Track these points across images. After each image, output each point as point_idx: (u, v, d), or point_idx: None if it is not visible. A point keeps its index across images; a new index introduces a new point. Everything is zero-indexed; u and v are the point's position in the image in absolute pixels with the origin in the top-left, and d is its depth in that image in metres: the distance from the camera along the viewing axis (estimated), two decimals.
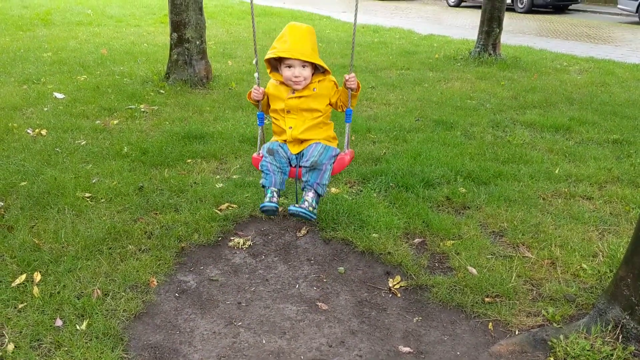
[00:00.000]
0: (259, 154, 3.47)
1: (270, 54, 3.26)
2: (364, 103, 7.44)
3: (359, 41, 12.35)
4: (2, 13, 14.28)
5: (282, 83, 3.41)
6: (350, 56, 3.48)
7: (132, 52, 10.18)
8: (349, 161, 3.51)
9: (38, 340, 2.85)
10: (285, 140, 3.40)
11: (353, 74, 3.32)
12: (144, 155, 5.30)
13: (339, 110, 3.49)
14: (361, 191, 4.69)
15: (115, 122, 6.30)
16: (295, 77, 3.27)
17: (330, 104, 3.47)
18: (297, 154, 3.39)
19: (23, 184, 4.57)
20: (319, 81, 3.38)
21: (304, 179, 3.35)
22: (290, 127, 3.36)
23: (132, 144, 5.55)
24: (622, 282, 2.85)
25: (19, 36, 11.31)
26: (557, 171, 5.12)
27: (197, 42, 7.87)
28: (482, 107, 7.29)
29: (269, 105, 3.52)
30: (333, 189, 4.70)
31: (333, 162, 3.40)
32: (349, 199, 4.49)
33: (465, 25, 16.14)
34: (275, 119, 3.46)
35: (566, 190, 4.74)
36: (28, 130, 5.83)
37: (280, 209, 3.98)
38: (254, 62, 3.42)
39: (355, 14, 3.46)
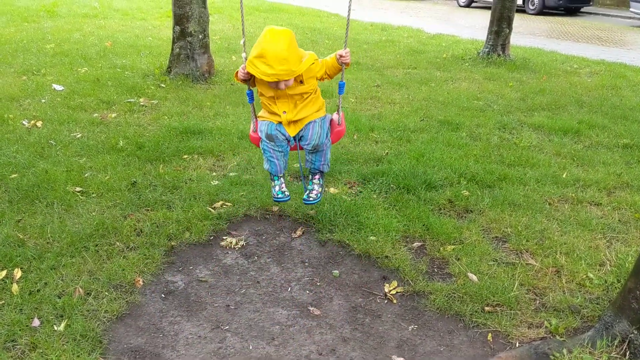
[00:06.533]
0: (255, 131, 3.60)
1: (252, 69, 3.21)
2: (369, 102, 7.29)
3: (366, 39, 12.18)
4: (8, 4, 14.20)
5: None
6: (345, 32, 3.57)
7: (135, 45, 10.06)
8: (344, 130, 3.71)
9: (13, 340, 2.71)
10: (280, 122, 3.46)
11: (348, 50, 3.42)
12: (139, 149, 5.17)
13: (324, 80, 3.55)
14: (361, 192, 4.53)
15: (113, 115, 6.17)
16: (279, 88, 3.30)
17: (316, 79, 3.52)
18: (295, 135, 3.51)
19: (13, 176, 4.45)
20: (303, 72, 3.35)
21: (307, 159, 3.66)
22: (285, 112, 3.42)
23: (129, 138, 5.42)
24: (631, 295, 2.69)
25: (23, 27, 11.22)
26: (564, 175, 4.95)
27: (200, 36, 7.73)
28: (489, 108, 7.12)
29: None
30: (332, 189, 4.56)
31: (330, 135, 3.61)
32: (347, 200, 4.34)
33: (475, 26, 15.94)
34: (266, 103, 3.48)
35: (573, 195, 4.57)
36: (23, 122, 5.72)
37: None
38: (241, 42, 3.50)
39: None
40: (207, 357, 2.77)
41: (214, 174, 4.81)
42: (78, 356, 2.62)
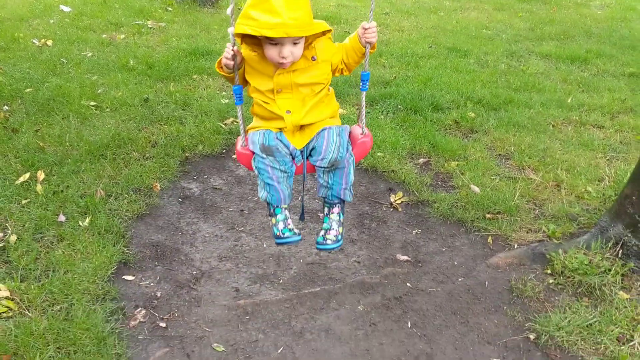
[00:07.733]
0: (244, 145, 2.37)
1: (248, 29, 2.05)
2: (378, 29, 7.21)
3: None
4: None
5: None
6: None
7: None
8: (371, 140, 2.47)
9: (41, 233, 2.88)
10: (281, 129, 2.34)
11: (374, 23, 2.28)
12: (150, 69, 5.22)
13: (340, 74, 2.39)
14: (368, 112, 4.62)
15: (122, 36, 6.17)
16: (283, 57, 2.15)
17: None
18: (303, 148, 2.37)
19: (28, 90, 4.53)
20: (316, 42, 2.26)
21: (321, 183, 2.41)
22: (289, 112, 2.29)
23: (138, 58, 5.46)
24: (627, 200, 2.82)
25: None
26: (569, 100, 5.01)
27: None
28: (498, 37, 7.08)
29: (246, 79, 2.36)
30: (340, 110, 4.63)
31: (352, 149, 2.41)
32: (355, 120, 4.43)
33: None
34: (261, 102, 2.31)
35: (577, 118, 4.65)
36: (34, 41, 5.74)
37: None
38: (227, 11, 2.14)
39: None
40: (224, 253, 2.95)
41: (224, 93, 4.88)
42: (103, 247, 2.80)
